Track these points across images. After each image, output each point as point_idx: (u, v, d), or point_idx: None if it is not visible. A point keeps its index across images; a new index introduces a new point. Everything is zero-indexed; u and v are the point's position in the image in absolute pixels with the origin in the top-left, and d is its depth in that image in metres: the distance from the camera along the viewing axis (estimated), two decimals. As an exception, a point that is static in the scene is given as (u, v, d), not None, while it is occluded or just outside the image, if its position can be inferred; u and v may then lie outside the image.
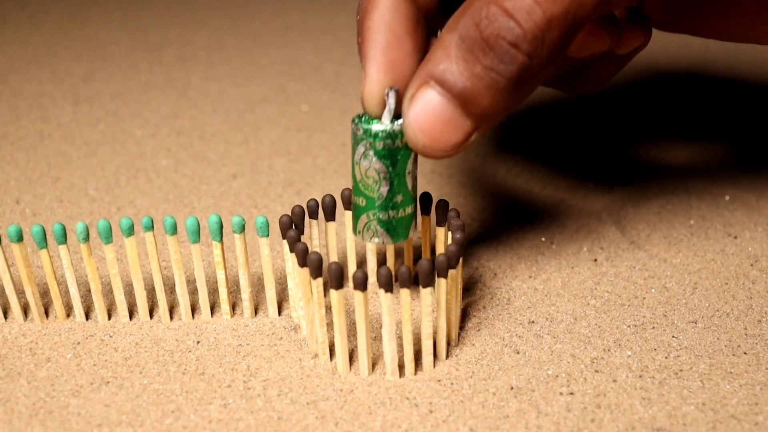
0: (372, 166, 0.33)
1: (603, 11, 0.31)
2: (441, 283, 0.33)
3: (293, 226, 0.35)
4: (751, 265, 0.40)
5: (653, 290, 0.38)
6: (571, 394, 0.32)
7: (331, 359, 0.34)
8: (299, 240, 0.34)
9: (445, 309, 0.33)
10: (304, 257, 0.33)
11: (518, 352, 0.35)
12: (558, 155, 0.52)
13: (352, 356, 0.34)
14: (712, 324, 0.36)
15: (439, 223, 0.37)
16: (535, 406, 0.32)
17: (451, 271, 0.33)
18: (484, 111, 0.31)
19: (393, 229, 0.34)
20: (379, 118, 0.33)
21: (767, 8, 0.35)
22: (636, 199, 0.47)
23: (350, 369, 0.34)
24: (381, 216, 0.33)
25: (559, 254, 0.42)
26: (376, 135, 0.32)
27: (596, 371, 0.33)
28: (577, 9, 0.29)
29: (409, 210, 0.34)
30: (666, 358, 0.34)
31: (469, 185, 0.49)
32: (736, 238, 0.42)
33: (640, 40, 0.36)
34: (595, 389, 0.32)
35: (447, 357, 0.35)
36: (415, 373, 0.34)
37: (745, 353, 0.34)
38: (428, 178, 0.49)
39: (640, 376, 0.33)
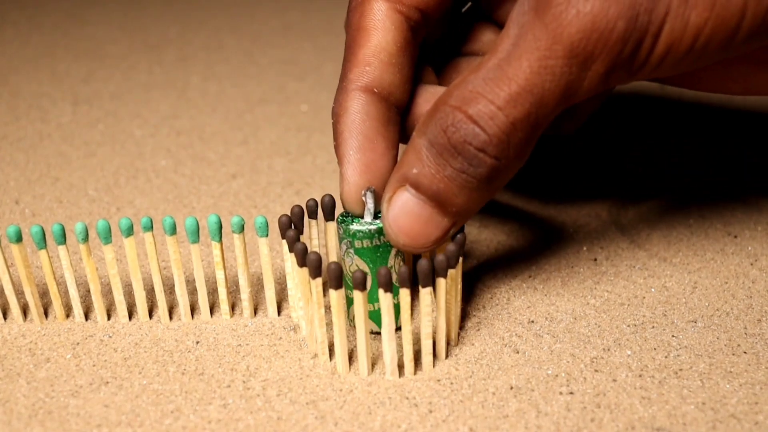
0: (354, 263, 0.34)
1: (566, 107, 0.31)
2: (440, 282, 0.33)
3: (292, 226, 0.35)
4: (751, 264, 0.40)
5: (653, 289, 0.38)
6: (571, 393, 0.32)
7: (330, 359, 0.34)
8: (298, 240, 0.34)
9: (444, 309, 0.33)
10: (303, 257, 0.33)
11: (518, 352, 0.35)
12: (558, 155, 0.52)
13: (351, 356, 0.34)
14: (712, 323, 0.36)
15: None
16: (534, 405, 0.32)
17: (450, 271, 0.33)
18: (459, 209, 0.32)
19: (378, 318, 0.35)
20: (360, 216, 0.34)
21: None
22: (636, 198, 0.47)
23: (350, 369, 0.34)
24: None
25: (558, 254, 0.42)
26: (354, 235, 0.34)
27: (596, 371, 0.33)
28: (539, 110, 0.30)
29: (393, 301, 0.34)
30: (666, 357, 0.34)
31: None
32: (736, 237, 0.42)
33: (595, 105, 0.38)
34: (594, 389, 0.32)
35: (446, 357, 0.35)
36: (415, 373, 0.34)
37: (744, 352, 0.34)
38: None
39: (640, 376, 0.33)
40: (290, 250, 0.34)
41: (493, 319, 0.37)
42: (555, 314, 0.37)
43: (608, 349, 0.35)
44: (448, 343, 0.35)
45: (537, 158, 0.50)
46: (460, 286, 0.35)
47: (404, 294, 0.32)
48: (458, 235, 0.34)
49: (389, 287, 0.31)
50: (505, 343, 0.35)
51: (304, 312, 0.34)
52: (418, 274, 0.32)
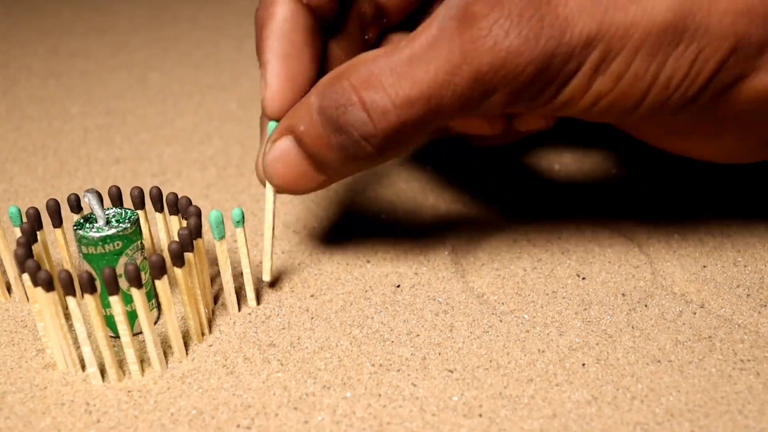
0: (84, 268, 0.34)
1: (462, 118, 0.32)
2: (177, 272, 0.33)
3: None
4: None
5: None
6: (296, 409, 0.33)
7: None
8: (31, 256, 0.33)
9: (188, 301, 0.33)
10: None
11: (232, 373, 0.35)
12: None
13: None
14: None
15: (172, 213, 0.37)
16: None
17: (188, 256, 0.33)
18: (334, 172, 0.33)
19: (112, 324, 0.35)
20: (278, 121, 0.34)
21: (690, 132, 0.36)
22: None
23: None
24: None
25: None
26: (80, 240, 0.33)
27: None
28: (431, 117, 0.31)
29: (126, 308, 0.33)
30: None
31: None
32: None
33: (540, 124, 0.38)
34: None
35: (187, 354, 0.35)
36: (142, 375, 0.33)
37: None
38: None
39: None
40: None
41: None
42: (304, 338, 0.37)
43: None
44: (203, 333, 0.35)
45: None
46: (206, 272, 0.35)
47: (89, 300, 0.31)
48: (192, 220, 0.34)
49: (115, 288, 0.31)
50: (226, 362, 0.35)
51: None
52: (151, 269, 0.32)
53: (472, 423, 0.31)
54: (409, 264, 0.40)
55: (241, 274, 0.39)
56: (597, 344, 0.35)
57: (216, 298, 0.38)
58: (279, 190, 0.35)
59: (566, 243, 0.42)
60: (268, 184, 0.36)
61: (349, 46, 0.38)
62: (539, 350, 0.35)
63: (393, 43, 0.36)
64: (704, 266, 0.40)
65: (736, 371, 0.34)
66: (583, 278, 0.39)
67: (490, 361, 0.34)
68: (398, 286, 0.38)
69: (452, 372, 0.34)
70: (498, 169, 0.50)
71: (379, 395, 0.33)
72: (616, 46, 0.30)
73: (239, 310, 0.37)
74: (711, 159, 0.38)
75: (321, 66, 0.36)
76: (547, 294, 0.38)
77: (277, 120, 0.35)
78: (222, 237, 0.35)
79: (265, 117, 0.36)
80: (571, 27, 0.29)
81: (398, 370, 0.34)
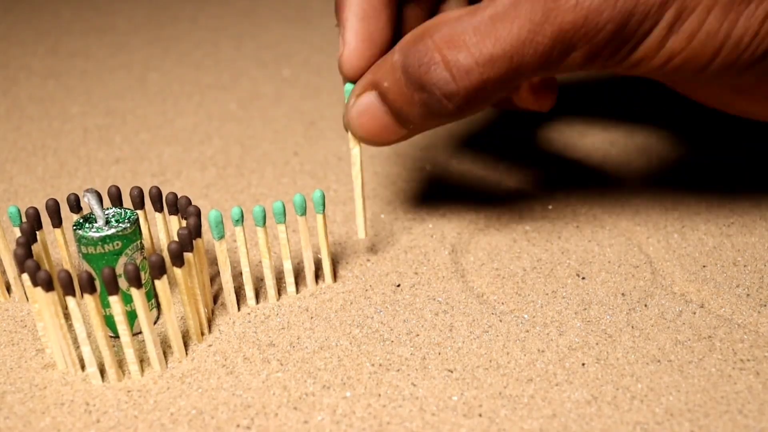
0: (84, 268, 0.34)
1: (537, 77, 0.34)
2: (177, 272, 0.33)
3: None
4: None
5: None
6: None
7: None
8: (31, 257, 0.33)
9: (188, 301, 0.33)
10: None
11: (232, 373, 0.35)
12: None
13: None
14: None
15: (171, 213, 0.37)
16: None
17: (187, 256, 0.33)
18: (415, 126, 0.35)
19: (112, 324, 0.35)
20: (354, 82, 0.36)
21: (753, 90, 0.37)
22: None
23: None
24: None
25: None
26: (80, 240, 0.33)
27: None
28: (512, 76, 0.32)
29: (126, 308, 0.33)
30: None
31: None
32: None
33: (547, 106, 0.40)
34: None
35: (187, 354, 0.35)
36: (142, 375, 0.33)
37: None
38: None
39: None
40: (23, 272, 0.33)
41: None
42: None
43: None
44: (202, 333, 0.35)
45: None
46: (206, 272, 0.36)
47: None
48: (191, 220, 0.34)
49: (115, 288, 0.31)
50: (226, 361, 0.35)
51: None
52: (151, 269, 0.32)
53: (471, 423, 0.31)
54: (410, 263, 0.40)
55: (241, 273, 0.39)
56: (597, 344, 0.35)
57: (215, 298, 0.38)
58: (364, 141, 0.36)
59: (566, 243, 0.42)
60: (353, 144, 0.37)
61: (422, 11, 0.39)
62: (539, 350, 0.35)
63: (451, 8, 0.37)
64: (704, 266, 0.40)
65: (736, 371, 0.34)
66: (583, 278, 0.39)
67: (490, 361, 0.34)
68: (398, 286, 0.38)
69: (452, 372, 0.34)
70: (497, 169, 0.50)
71: (379, 395, 0.33)
72: (690, 5, 0.31)
73: (239, 309, 0.37)
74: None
75: (397, 28, 0.37)
76: (547, 294, 0.38)
77: (353, 80, 0.36)
78: (221, 237, 0.35)
79: (341, 75, 0.37)
80: None
81: (398, 370, 0.34)
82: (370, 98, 0.35)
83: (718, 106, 0.39)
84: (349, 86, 0.37)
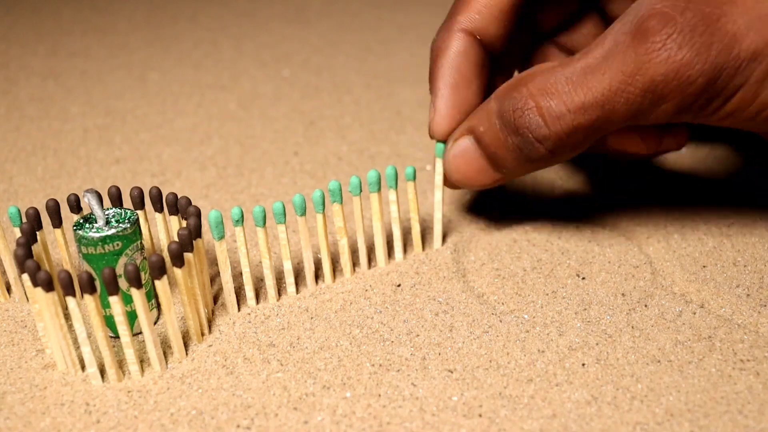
0: (84, 268, 0.34)
1: (631, 124, 0.34)
2: (177, 272, 0.33)
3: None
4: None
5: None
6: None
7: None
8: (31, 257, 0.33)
9: (187, 301, 0.33)
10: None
11: (232, 373, 0.35)
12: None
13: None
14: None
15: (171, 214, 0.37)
16: None
17: (187, 256, 0.33)
18: (508, 171, 0.36)
19: (112, 324, 0.35)
20: (443, 142, 0.38)
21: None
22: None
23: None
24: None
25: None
26: (80, 240, 0.33)
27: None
28: (602, 123, 0.33)
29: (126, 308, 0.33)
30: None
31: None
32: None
33: (673, 147, 0.40)
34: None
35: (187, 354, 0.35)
36: (142, 375, 0.34)
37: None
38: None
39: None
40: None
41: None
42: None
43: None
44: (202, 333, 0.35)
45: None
46: (206, 272, 0.36)
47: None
48: (191, 220, 0.34)
49: (115, 289, 0.31)
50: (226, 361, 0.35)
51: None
52: (150, 270, 0.32)
53: (471, 423, 0.31)
54: (410, 263, 0.40)
55: (241, 273, 0.39)
56: (597, 344, 0.35)
57: (216, 298, 0.38)
58: (457, 183, 0.38)
59: (566, 243, 0.42)
60: (438, 164, 0.39)
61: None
62: (539, 350, 0.35)
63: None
64: (704, 266, 0.40)
65: (736, 371, 0.34)
66: (583, 278, 0.39)
67: (490, 361, 0.34)
68: (398, 286, 0.38)
69: (452, 372, 0.34)
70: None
71: (379, 395, 0.33)
72: None
73: (239, 310, 0.37)
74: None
75: (486, 97, 0.39)
76: (547, 294, 0.38)
77: (443, 142, 0.38)
78: (221, 237, 0.35)
79: (431, 138, 0.39)
80: (739, 42, 0.31)
81: (398, 370, 0.34)
82: (466, 143, 0.37)
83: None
84: (439, 146, 0.39)
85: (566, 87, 0.33)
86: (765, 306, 0.37)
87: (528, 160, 0.35)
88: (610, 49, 0.32)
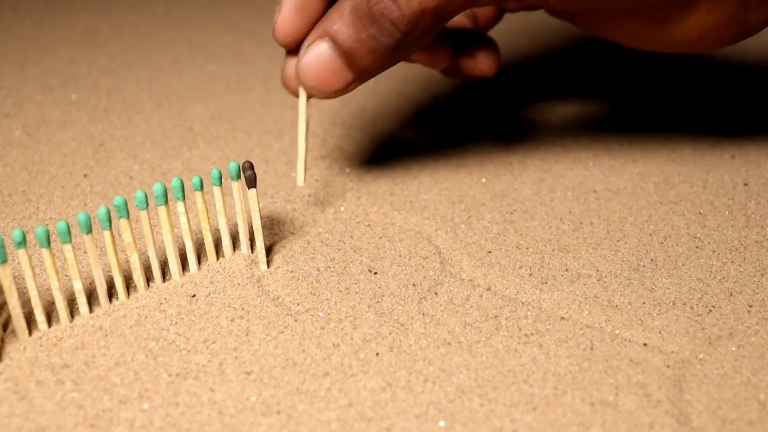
0: None
1: (468, 8, 0.37)
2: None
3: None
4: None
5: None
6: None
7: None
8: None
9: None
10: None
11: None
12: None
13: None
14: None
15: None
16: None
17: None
18: (363, 68, 0.38)
19: None
20: (286, 47, 0.40)
21: (664, 16, 0.40)
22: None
23: None
24: None
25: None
26: None
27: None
28: (447, 6, 0.36)
29: None
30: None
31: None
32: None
33: (483, 72, 0.45)
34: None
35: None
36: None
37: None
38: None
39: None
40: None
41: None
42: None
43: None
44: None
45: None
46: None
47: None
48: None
49: None
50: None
51: None
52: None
53: (270, 420, 0.32)
54: (204, 273, 0.40)
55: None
56: (390, 333, 0.36)
57: (5, 326, 0.37)
58: (313, 90, 0.39)
59: (358, 241, 0.43)
60: (301, 94, 0.41)
61: None
62: (334, 345, 0.36)
63: None
64: (489, 252, 0.42)
65: (521, 345, 0.36)
66: (375, 273, 0.40)
67: (287, 360, 0.35)
68: (193, 296, 0.38)
69: (249, 374, 0.34)
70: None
71: (177, 404, 0.33)
72: None
73: (30, 335, 0.36)
74: (682, 46, 0.42)
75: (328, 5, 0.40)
76: (341, 291, 0.39)
77: (286, 47, 0.41)
78: (4, 261, 0.34)
79: (276, 41, 0.40)
80: None
81: (195, 378, 0.34)
82: (321, 46, 0.38)
83: (633, 43, 0.43)
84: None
85: None
86: (546, 283, 0.39)
87: (383, 51, 0.37)
88: None
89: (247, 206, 0.43)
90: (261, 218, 0.39)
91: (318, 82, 0.39)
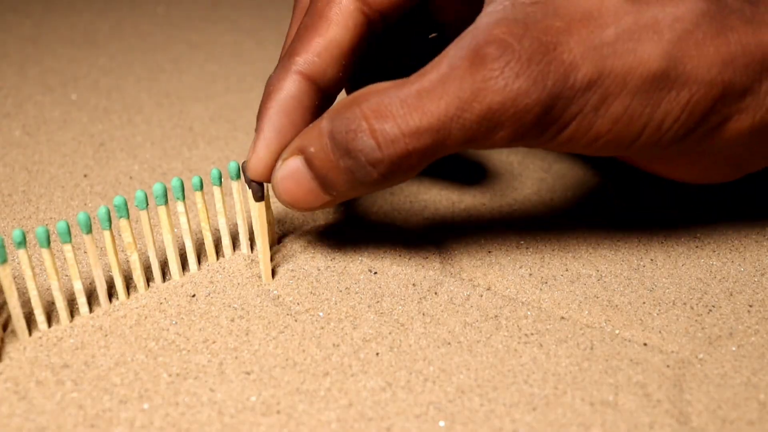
0: None
1: (466, 149, 0.35)
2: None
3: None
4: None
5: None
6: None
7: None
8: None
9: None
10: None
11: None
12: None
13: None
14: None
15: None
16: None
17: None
18: (339, 194, 0.35)
19: None
20: (257, 182, 0.37)
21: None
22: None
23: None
24: None
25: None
26: None
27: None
28: (437, 148, 0.33)
29: None
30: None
31: None
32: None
33: None
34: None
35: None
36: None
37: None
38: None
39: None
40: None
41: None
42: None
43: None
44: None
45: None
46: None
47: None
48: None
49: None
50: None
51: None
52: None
53: (270, 420, 0.32)
54: (204, 273, 0.40)
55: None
56: (390, 333, 0.36)
57: (5, 326, 0.37)
58: (287, 206, 0.36)
59: (358, 240, 0.43)
60: (251, 196, 0.38)
61: None
62: (334, 344, 0.36)
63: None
64: (489, 251, 0.42)
65: (521, 345, 0.36)
66: (375, 273, 0.40)
67: (287, 360, 0.35)
68: (193, 296, 0.38)
69: (249, 374, 0.34)
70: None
71: (177, 404, 0.33)
72: (614, 90, 0.32)
73: (30, 335, 0.36)
74: (689, 180, 0.41)
75: None
76: (341, 290, 0.39)
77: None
78: (5, 261, 0.34)
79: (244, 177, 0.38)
80: (574, 72, 0.31)
81: (195, 378, 0.34)
82: (296, 163, 0.35)
83: (642, 168, 0.41)
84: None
85: (401, 110, 0.32)
86: (546, 283, 0.39)
87: (360, 183, 0.34)
88: (446, 73, 0.32)
89: (247, 206, 0.43)
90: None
91: (292, 199, 0.36)
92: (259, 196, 0.37)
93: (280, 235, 0.43)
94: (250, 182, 0.37)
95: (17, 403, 0.33)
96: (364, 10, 0.37)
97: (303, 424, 0.32)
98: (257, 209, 0.38)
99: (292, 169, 0.35)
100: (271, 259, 0.41)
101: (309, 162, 0.35)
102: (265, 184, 0.38)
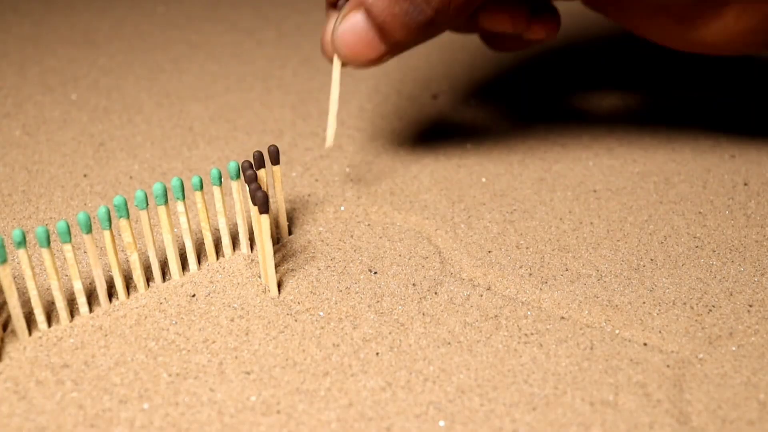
0: None
1: None
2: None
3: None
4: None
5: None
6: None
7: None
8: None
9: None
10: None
11: None
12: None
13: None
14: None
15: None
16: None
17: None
18: (396, 41, 0.39)
19: None
20: (263, 193, 0.36)
21: (693, 16, 0.40)
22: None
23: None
24: None
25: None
26: None
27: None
28: None
29: None
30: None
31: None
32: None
33: (541, 35, 0.44)
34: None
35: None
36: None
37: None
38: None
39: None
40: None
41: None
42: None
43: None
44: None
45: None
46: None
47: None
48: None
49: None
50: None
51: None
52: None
53: (270, 420, 0.32)
54: (204, 273, 0.40)
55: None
56: (390, 333, 0.36)
57: (5, 325, 0.37)
58: (346, 59, 0.40)
59: (358, 241, 0.43)
60: (335, 61, 0.41)
61: None
62: (334, 344, 0.36)
63: None
64: (489, 251, 0.42)
65: (521, 345, 0.36)
66: (375, 272, 0.40)
67: (287, 360, 0.35)
68: (193, 296, 0.38)
69: (249, 374, 0.34)
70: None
71: (177, 403, 0.33)
72: None
73: (30, 334, 0.36)
74: (711, 48, 0.42)
75: None
76: (341, 290, 0.39)
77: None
78: (4, 261, 0.34)
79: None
80: None
81: (195, 377, 0.34)
82: (355, 16, 0.38)
83: (663, 41, 0.43)
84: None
85: None
86: (546, 283, 0.39)
87: (415, 26, 0.38)
88: None
89: (247, 206, 0.43)
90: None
91: (352, 52, 0.39)
92: (264, 209, 0.37)
93: (278, 236, 0.43)
94: (254, 193, 0.37)
95: (17, 402, 0.33)
96: None
97: (303, 423, 0.32)
98: (262, 221, 0.38)
99: (351, 23, 0.39)
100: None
101: (368, 11, 0.38)
102: (269, 197, 0.39)
